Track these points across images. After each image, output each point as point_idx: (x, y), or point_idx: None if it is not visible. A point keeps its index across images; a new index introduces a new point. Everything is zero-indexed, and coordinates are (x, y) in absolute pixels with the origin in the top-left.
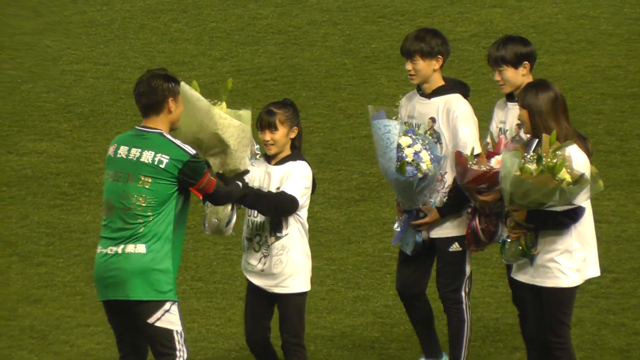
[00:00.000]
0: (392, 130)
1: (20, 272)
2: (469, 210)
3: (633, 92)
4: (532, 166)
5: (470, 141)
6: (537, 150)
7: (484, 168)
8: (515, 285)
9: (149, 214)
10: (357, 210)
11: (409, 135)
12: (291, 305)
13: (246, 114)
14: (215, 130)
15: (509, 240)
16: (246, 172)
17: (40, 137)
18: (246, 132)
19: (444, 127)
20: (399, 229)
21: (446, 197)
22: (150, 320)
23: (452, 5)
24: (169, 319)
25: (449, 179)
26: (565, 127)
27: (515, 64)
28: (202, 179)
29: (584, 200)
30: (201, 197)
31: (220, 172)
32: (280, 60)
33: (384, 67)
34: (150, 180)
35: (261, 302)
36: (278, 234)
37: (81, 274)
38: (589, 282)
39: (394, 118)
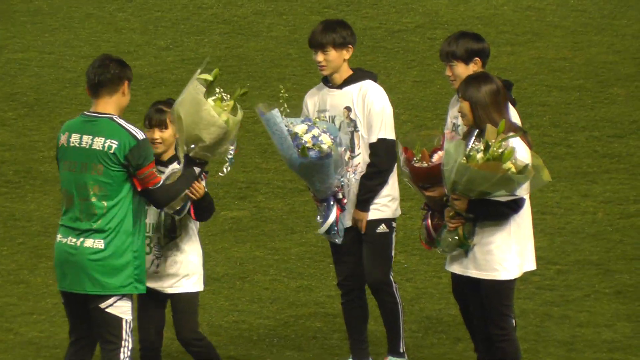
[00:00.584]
0: (276, 120)
1: None
2: (424, 206)
3: (578, 84)
4: (479, 155)
5: (385, 126)
6: (480, 140)
7: (425, 164)
8: (455, 277)
9: (104, 203)
10: (301, 200)
11: (305, 123)
12: (189, 304)
13: (234, 120)
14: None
15: (445, 230)
16: (206, 163)
17: None
18: (227, 134)
19: (360, 113)
20: (321, 220)
21: (360, 186)
22: (102, 305)
23: None
24: (121, 307)
25: (361, 159)
26: (507, 120)
27: (466, 59)
28: (144, 168)
29: (526, 191)
30: (140, 190)
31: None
32: (225, 50)
33: None
34: (102, 168)
35: (155, 305)
36: (172, 235)
37: (25, 262)
38: (532, 273)
39: (276, 109)
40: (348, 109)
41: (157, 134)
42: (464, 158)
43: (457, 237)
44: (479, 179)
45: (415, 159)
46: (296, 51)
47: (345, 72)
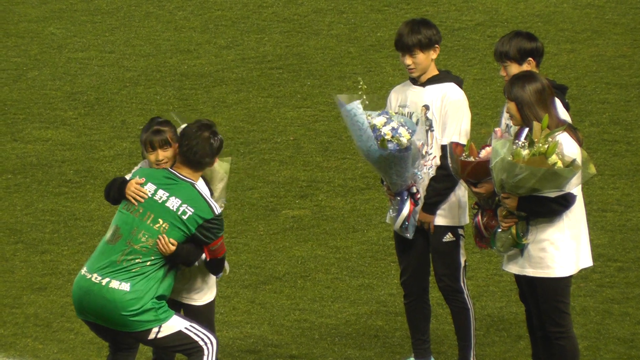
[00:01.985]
0: (357, 112)
1: (25, 260)
2: (474, 205)
3: (638, 81)
4: (524, 151)
5: (460, 130)
6: (528, 138)
7: (472, 159)
8: (517, 279)
9: (152, 257)
10: (362, 199)
11: (383, 115)
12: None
13: (224, 164)
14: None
15: (499, 230)
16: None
17: (46, 124)
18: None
19: (437, 113)
20: (394, 214)
21: (428, 188)
22: (150, 337)
23: None
24: (168, 326)
25: (433, 161)
26: (555, 116)
27: (519, 59)
28: (217, 240)
29: (574, 186)
30: (208, 259)
31: None
32: (286, 48)
33: (389, 55)
34: (167, 227)
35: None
36: None
37: (85, 262)
38: (592, 271)
39: (358, 101)
40: (426, 107)
41: (161, 155)
42: (510, 155)
43: (510, 237)
44: (525, 175)
45: (464, 154)
46: (356, 49)
47: (431, 71)
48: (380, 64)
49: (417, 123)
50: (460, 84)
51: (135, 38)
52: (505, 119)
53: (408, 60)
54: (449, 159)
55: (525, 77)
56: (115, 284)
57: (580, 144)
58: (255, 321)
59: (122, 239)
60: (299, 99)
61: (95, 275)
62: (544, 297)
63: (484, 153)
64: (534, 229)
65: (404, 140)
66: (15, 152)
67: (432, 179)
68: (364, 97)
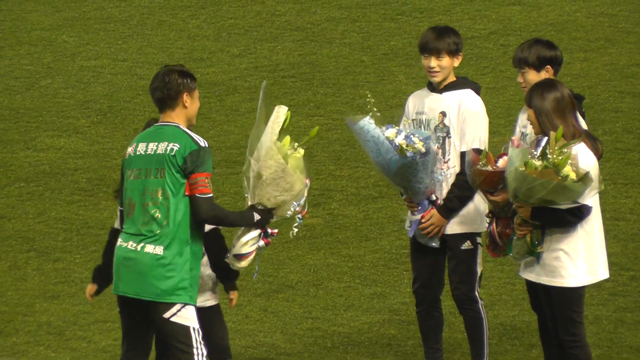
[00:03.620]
0: (369, 127)
1: (38, 268)
2: (488, 213)
3: None
4: (537, 162)
5: (478, 137)
6: (545, 147)
7: (489, 168)
8: (530, 286)
9: (166, 207)
10: (375, 207)
11: (391, 128)
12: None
13: (296, 159)
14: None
15: (515, 237)
16: (269, 213)
17: (58, 133)
18: (286, 174)
19: (455, 120)
20: (412, 223)
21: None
22: (166, 315)
23: (471, 3)
24: (185, 314)
25: (452, 167)
26: (573, 125)
27: (537, 67)
28: (198, 174)
29: (589, 198)
30: (188, 195)
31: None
32: (299, 57)
33: (402, 64)
34: (164, 171)
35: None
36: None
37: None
38: (605, 280)
39: (368, 116)
40: (443, 114)
41: None
42: (523, 165)
43: (525, 244)
44: (536, 186)
45: (480, 162)
46: (370, 58)
47: (450, 78)
48: (394, 73)
49: (435, 130)
50: (477, 90)
51: (148, 46)
52: (520, 127)
53: (433, 63)
54: (466, 167)
55: (545, 85)
56: (149, 248)
57: (599, 156)
58: (267, 329)
59: (138, 204)
60: (311, 108)
61: (130, 242)
62: (557, 306)
63: (501, 162)
64: (548, 237)
65: (419, 146)
66: (28, 160)
67: (454, 185)
68: (375, 109)
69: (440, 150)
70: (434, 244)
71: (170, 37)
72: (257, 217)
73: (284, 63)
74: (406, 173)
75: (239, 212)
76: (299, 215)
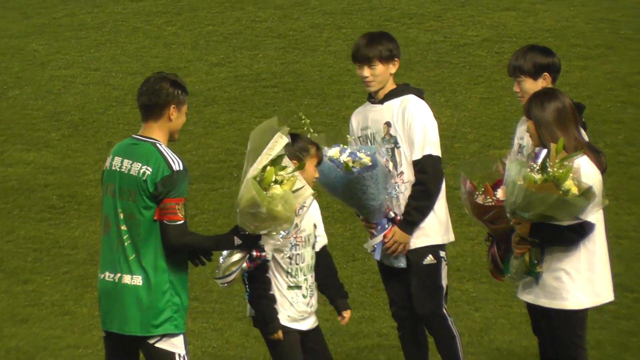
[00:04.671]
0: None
1: (6, 290)
2: (487, 236)
3: None
4: (537, 175)
5: (429, 142)
6: (544, 160)
7: (489, 201)
8: (530, 308)
9: (139, 234)
10: (362, 225)
11: (335, 147)
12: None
13: (279, 191)
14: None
15: (513, 256)
16: (254, 237)
17: (27, 146)
18: (262, 208)
19: (400, 128)
20: (375, 246)
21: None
22: (151, 341)
23: (463, 8)
24: (171, 341)
25: (406, 178)
26: (575, 137)
27: (534, 74)
28: (170, 199)
29: (592, 214)
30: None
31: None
32: (281, 65)
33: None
34: (136, 194)
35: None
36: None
37: (70, 292)
38: (609, 302)
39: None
40: (388, 124)
41: None
42: (522, 179)
43: (523, 264)
44: (535, 201)
45: (477, 193)
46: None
47: (389, 86)
48: None
49: (382, 142)
50: (420, 95)
51: (122, 55)
52: (517, 139)
53: (366, 72)
54: (462, 197)
55: (545, 95)
56: (127, 279)
57: (603, 170)
58: (249, 356)
59: (112, 225)
60: (295, 119)
61: (107, 273)
62: (558, 329)
63: (500, 193)
64: (548, 257)
65: (366, 160)
66: None
67: (411, 197)
68: (312, 131)
69: (391, 163)
70: (401, 265)
71: (145, 45)
72: (238, 241)
73: (265, 72)
74: (355, 190)
75: (216, 236)
76: (292, 240)
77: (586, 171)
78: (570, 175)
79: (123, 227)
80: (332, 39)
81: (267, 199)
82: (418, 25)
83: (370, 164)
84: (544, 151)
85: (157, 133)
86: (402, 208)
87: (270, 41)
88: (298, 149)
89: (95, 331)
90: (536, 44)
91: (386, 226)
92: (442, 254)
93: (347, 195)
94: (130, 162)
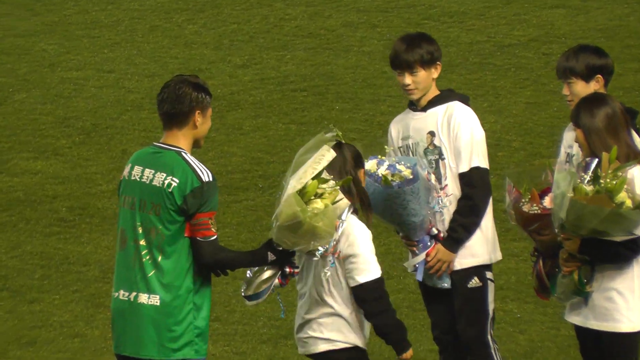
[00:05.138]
0: None
1: (11, 310)
2: (533, 251)
3: None
4: (588, 187)
5: (477, 153)
6: (595, 171)
7: (535, 208)
8: (578, 331)
9: (161, 250)
10: (398, 240)
11: (371, 159)
12: None
13: (320, 205)
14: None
15: (560, 274)
16: (288, 253)
17: (35, 154)
18: (303, 224)
19: (445, 138)
20: (416, 266)
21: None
22: None
23: (508, 6)
24: None
25: (451, 191)
26: (628, 145)
27: (586, 76)
28: (201, 214)
29: None
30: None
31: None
32: (311, 67)
33: None
34: (160, 207)
35: None
36: None
37: (80, 312)
38: None
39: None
40: (432, 133)
41: None
42: (572, 191)
43: (572, 283)
44: (587, 214)
45: (523, 200)
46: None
47: (432, 92)
48: None
49: (425, 154)
50: (466, 101)
51: (139, 55)
52: (565, 148)
53: (407, 80)
54: (506, 205)
55: (594, 100)
56: (143, 298)
57: None
58: None
59: (129, 239)
60: (325, 126)
61: (121, 292)
62: (609, 353)
63: (547, 200)
64: (599, 275)
65: (406, 173)
66: (0, 186)
67: (456, 212)
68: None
69: (433, 176)
70: (445, 285)
71: (163, 45)
72: (271, 257)
73: (294, 75)
74: (394, 206)
75: (249, 252)
76: (330, 258)
77: None
78: (625, 186)
79: (142, 242)
80: (366, 39)
81: (309, 214)
82: (459, 25)
83: (411, 177)
84: (596, 160)
85: (181, 141)
86: (446, 224)
87: (299, 41)
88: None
89: (107, 355)
90: (587, 44)
91: (428, 244)
92: (489, 274)
93: (386, 211)
94: (153, 171)
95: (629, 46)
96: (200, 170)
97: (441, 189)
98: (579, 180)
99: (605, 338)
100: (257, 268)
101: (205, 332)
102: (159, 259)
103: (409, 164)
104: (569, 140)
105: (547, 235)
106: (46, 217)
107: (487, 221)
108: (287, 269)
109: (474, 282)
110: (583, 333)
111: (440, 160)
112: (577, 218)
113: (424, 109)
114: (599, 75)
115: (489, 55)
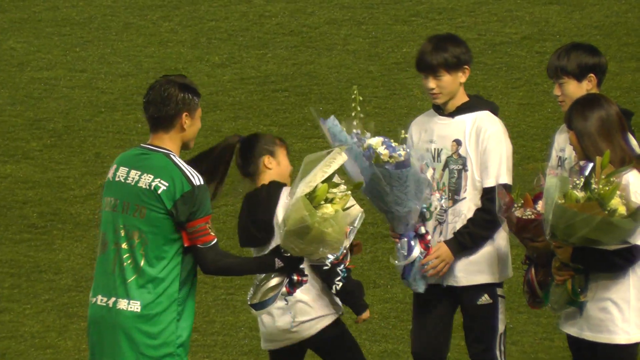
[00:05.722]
0: (334, 130)
1: None
2: (524, 260)
3: None
4: (579, 193)
5: (505, 169)
6: (588, 176)
7: (529, 213)
8: (572, 342)
9: (144, 255)
10: (385, 248)
11: (379, 138)
12: None
13: (330, 210)
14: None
15: (554, 283)
16: (296, 260)
17: (4, 158)
18: (311, 229)
19: (472, 150)
20: (401, 262)
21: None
22: None
23: (500, 2)
24: None
25: (466, 205)
26: (622, 148)
27: (578, 76)
28: (196, 220)
29: None
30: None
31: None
32: (293, 67)
33: (417, 75)
34: (145, 210)
35: None
36: None
37: (52, 323)
38: None
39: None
40: (457, 142)
41: None
42: (562, 197)
43: (565, 292)
44: (577, 222)
45: (515, 205)
46: (378, 68)
47: (460, 98)
48: (407, 86)
49: (447, 162)
50: (495, 111)
51: (112, 54)
52: (556, 151)
53: (432, 84)
54: (496, 209)
55: (587, 103)
56: (123, 304)
57: None
58: None
59: (110, 243)
60: (308, 128)
61: (99, 297)
62: None
63: (541, 205)
64: (593, 284)
65: (400, 155)
66: None
67: (470, 220)
68: (359, 109)
69: (430, 171)
70: (419, 289)
71: (138, 43)
72: (279, 263)
73: (275, 74)
74: (378, 187)
75: (256, 259)
76: (341, 267)
77: (636, 188)
78: (618, 193)
79: (124, 246)
80: (351, 37)
81: (318, 219)
82: (448, 22)
83: (403, 159)
84: (590, 165)
85: (168, 144)
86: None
87: (280, 39)
88: (265, 144)
89: None
90: (580, 42)
91: (412, 243)
92: (500, 291)
93: (373, 192)
94: (139, 173)
95: (626, 44)
96: (191, 174)
97: (439, 189)
98: (571, 186)
99: (601, 350)
100: (263, 275)
101: (187, 343)
102: (142, 263)
103: (408, 150)
104: (561, 144)
105: (542, 242)
106: (16, 223)
107: (503, 237)
108: (295, 277)
109: (484, 299)
110: (577, 344)
111: (463, 171)
112: (567, 226)
113: (452, 114)
114: (592, 75)
115: (479, 53)
